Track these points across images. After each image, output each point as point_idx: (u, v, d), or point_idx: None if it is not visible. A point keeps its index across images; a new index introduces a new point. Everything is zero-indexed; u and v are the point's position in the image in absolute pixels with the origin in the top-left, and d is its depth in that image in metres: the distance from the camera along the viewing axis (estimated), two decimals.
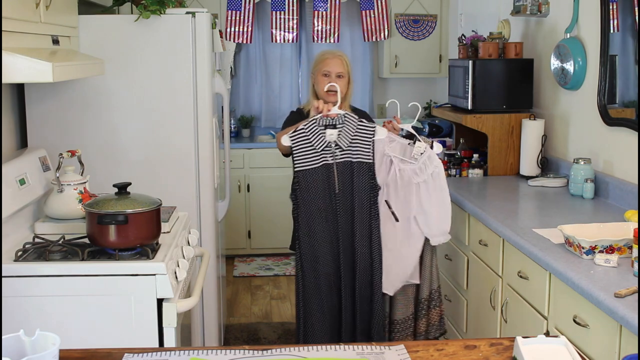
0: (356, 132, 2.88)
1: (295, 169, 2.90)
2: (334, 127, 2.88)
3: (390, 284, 3.01)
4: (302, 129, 2.89)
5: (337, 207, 2.91)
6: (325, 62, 3.13)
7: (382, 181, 2.99)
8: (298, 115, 3.19)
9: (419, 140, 3.01)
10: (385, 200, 2.98)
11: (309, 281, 2.97)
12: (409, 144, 3.02)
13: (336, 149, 2.88)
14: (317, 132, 2.87)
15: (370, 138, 2.89)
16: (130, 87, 3.08)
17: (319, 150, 2.87)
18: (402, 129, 3.09)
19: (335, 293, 3.00)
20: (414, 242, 3.01)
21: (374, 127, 2.92)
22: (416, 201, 2.98)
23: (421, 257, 3.06)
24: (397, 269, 3.01)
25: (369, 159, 2.90)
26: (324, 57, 3.16)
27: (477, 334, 3.13)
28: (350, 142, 2.88)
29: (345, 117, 2.88)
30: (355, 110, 3.20)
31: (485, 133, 3.81)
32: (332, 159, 2.88)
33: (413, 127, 3.12)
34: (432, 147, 3.02)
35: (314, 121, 2.88)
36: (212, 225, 3.27)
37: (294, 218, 2.96)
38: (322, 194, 2.91)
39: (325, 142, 2.87)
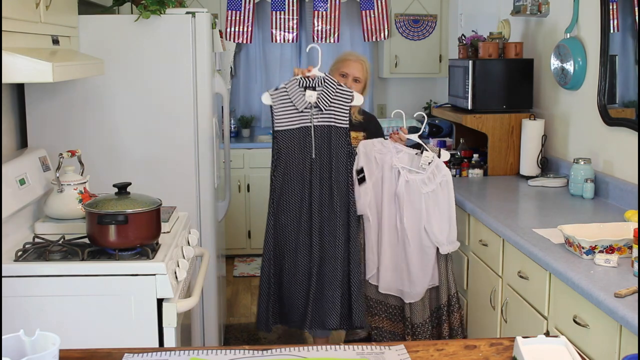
0: (335, 95, 2.89)
1: (275, 129, 2.90)
2: (313, 89, 2.89)
3: (416, 294, 3.03)
4: (284, 87, 2.90)
5: (313, 172, 2.91)
6: (346, 62, 3.16)
7: (390, 193, 2.99)
8: None
9: (427, 150, 2.99)
10: (356, 170, 2.99)
11: (279, 246, 2.96)
12: (416, 154, 3.01)
13: (316, 111, 2.88)
14: (297, 92, 2.88)
15: (348, 103, 2.90)
16: (130, 87, 3.08)
17: (299, 110, 2.88)
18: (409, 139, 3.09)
19: (307, 262, 2.94)
20: (428, 251, 2.99)
21: (352, 92, 2.93)
22: (425, 211, 2.96)
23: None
24: (419, 279, 3.01)
25: (346, 124, 2.91)
26: (346, 57, 3.19)
27: (477, 334, 3.13)
28: (329, 106, 2.88)
29: (324, 80, 2.90)
30: (364, 113, 3.21)
31: (485, 133, 3.81)
32: (310, 122, 2.87)
33: (414, 127, 3.12)
34: (439, 156, 2.99)
35: (295, 81, 2.90)
36: (212, 225, 3.27)
37: (271, 180, 2.94)
38: (298, 157, 2.91)
39: (306, 102, 2.86)
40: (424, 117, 3.17)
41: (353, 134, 3.13)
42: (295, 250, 2.96)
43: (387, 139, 3.09)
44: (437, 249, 3.00)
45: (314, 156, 2.90)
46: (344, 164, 2.92)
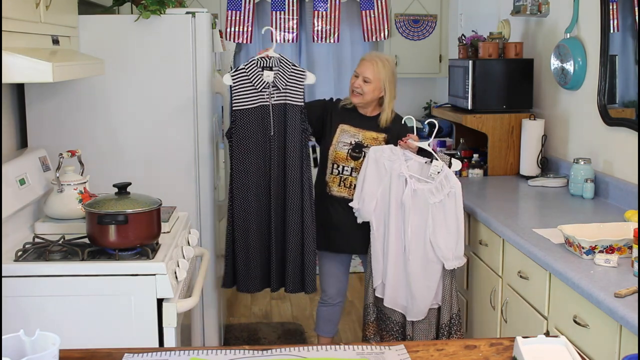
0: (290, 75, 3.05)
1: (233, 109, 3.03)
2: (270, 69, 3.03)
3: (418, 311, 2.96)
4: (243, 68, 3.03)
5: (272, 148, 3.06)
6: (360, 63, 3.15)
7: (398, 201, 2.93)
8: (329, 103, 3.22)
9: (436, 159, 2.91)
10: (312, 146, 3.11)
11: (239, 221, 3.09)
12: (425, 162, 2.94)
13: (273, 90, 3.02)
14: (256, 72, 3.02)
15: (303, 82, 3.07)
16: (130, 87, 3.08)
17: (258, 89, 3.01)
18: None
19: (266, 234, 3.13)
20: (433, 266, 2.92)
21: (305, 71, 3.08)
22: (431, 223, 2.88)
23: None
24: (422, 295, 2.95)
25: (301, 102, 3.06)
26: (363, 58, 3.17)
27: (477, 334, 3.13)
28: (286, 85, 3.03)
29: (280, 60, 3.04)
30: (397, 116, 3.16)
31: (485, 133, 3.81)
32: (268, 100, 3.01)
33: (416, 127, 3.07)
34: (450, 166, 2.93)
35: (254, 62, 3.03)
36: (212, 225, 3.27)
37: (230, 158, 3.08)
38: (257, 135, 3.05)
39: (264, 82, 3.00)
40: (435, 125, 3.09)
41: (373, 134, 3.10)
42: (257, 222, 3.11)
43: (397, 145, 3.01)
44: (443, 265, 2.92)
45: (272, 133, 3.05)
46: (299, 140, 3.07)
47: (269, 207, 3.10)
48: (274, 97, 3.03)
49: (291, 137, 3.06)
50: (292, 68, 3.07)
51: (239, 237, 3.11)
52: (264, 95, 3.02)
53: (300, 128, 3.06)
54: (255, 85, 3.01)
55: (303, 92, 3.07)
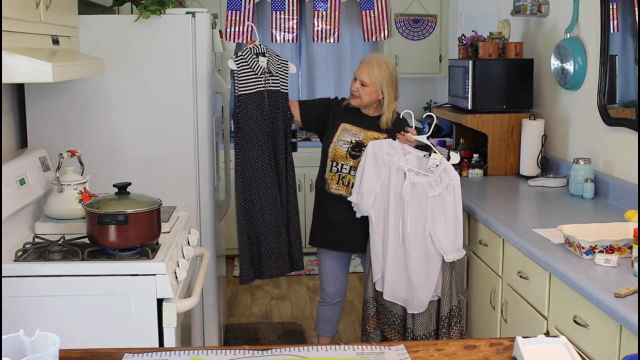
0: (277, 63, 3.16)
1: (238, 93, 3.07)
2: (263, 55, 3.11)
3: (419, 304, 2.96)
4: (241, 55, 3.09)
5: (268, 134, 3.12)
6: (358, 66, 3.19)
7: (397, 195, 2.94)
8: (332, 102, 3.27)
9: (435, 152, 2.92)
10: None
11: (256, 207, 3.13)
12: (424, 155, 2.94)
13: (268, 75, 3.10)
14: (252, 59, 3.09)
15: (287, 71, 3.19)
16: (130, 87, 3.08)
17: (258, 74, 3.07)
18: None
19: (273, 216, 3.17)
20: (433, 258, 2.92)
21: (287, 61, 3.20)
22: (430, 215, 2.88)
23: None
24: (422, 288, 2.95)
25: (287, 90, 3.18)
26: (361, 61, 3.22)
27: (477, 334, 3.13)
28: (276, 71, 3.14)
29: (266, 49, 3.14)
30: (398, 118, 3.18)
31: (485, 133, 3.81)
32: (264, 86, 3.10)
33: (416, 127, 3.07)
34: (449, 158, 2.93)
35: (249, 50, 3.10)
36: (212, 225, 3.27)
37: (235, 142, 3.11)
38: (256, 121, 3.09)
39: (260, 67, 3.09)
40: (433, 118, 3.10)
41: (374, 134, 3.11)
42: (268, 204, 3.15)
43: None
44: (443, 258, 2.92)
45: (266, 119, 3.11)
46: (284, 127, 3.16)
47: (273, 190, 3.15)
48: (269, 82, 3.11)
49: (281, 123, 3.14)
50: (278, 57, 3.17)
51: (259, 223, 3.13)
52: (261, 80, 3.09)
53: (287, 115, 3.16)
54: (254, 70, 3.08)
55: (288, 80, 3.18)
